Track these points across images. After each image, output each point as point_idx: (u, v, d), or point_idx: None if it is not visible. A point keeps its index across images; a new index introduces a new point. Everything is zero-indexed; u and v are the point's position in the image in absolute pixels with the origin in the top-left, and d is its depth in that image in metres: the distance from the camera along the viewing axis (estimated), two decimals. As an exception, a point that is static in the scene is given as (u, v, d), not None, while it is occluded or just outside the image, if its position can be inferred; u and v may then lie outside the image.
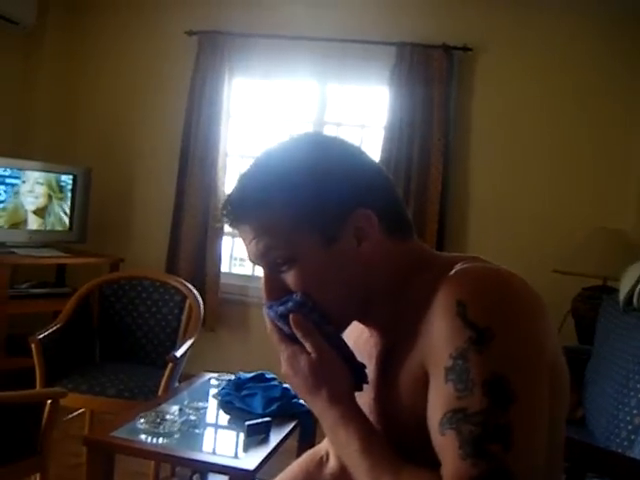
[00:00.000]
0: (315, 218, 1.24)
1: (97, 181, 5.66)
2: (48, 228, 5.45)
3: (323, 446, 1.69)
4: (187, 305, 4.39)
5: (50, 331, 3.99)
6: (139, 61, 5.96)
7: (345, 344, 1.29)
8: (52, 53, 6.07)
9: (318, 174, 1.25)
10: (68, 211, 5.53)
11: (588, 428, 3.69)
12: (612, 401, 3.44)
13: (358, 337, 1.37)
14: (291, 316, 1.25)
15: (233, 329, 5.77)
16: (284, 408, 3.34)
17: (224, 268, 5.79)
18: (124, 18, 6.00)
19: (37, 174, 5.31)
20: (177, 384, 3.97)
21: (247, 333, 5.73)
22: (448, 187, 5.31)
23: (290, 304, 1.25)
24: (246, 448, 2.96)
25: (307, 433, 3.53)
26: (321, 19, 5.52)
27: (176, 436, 2.95)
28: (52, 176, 5.41)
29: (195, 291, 4.44)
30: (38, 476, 3.03)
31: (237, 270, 6.08)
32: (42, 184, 5.34)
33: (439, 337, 1.13)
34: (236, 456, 2.91)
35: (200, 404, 3.32)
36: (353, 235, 1.25)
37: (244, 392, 3.42)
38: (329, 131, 5.74)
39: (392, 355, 1.28)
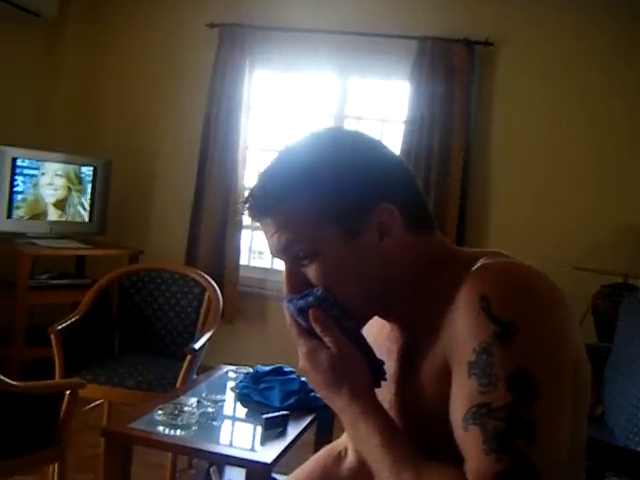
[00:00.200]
0: (337, 213, 1.23)
1: (117, 173, 5.68)
2: (68, 219, 5.48)
3: (341, 441, 1.69)
4: (206, 297, 4.40)
5: (69, 322, 4.00)
6: (160, 53, 5.97)
7: (364, 340, 1.28)
8: (74, 45, 6.09)
9: (340, 169, 1.25)
10: (88, 203, 5.55)
11: (607, 426, 3.67)
12: (632, 399, 3.42)
13: (378, 333, 1.37)
14: (310, 311, 1.24)
15: (251, 322, 5.77)
16: (302, 402, 3.34)
17: (243, 261, 5.80)
18: (145, 11, 6.01)
19: (57, 166, 5.34)
20: (195, 376, 3.97)
21: (265, 326, 5.74)
22: (468, 181, 5.29)
23: (310, 298, 1.24)
24: (263, 441, 2.96)
25: (324, 427, 3.52)
26: (342, 12, 5.51)
27: (194, 428, 2.95)
28: (72, 168, 5.44)
29: (214, 283, 4.44)
30: (56, 466, 3.04)
31: (256, 263, 6.08)
32: (62, 176, 5.37)
33: (463, 332, 1.12)
34: (253, 449, 2.91)
35: (218, 396, 3.32)
36: (376, 230, 1.25)
37: (262, 385, 3.42)
38: (349, 125, 5.74)
39: (413, 350, 1.27)
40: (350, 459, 1.63)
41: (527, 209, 5.31)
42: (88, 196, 5.54)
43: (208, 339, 4.07)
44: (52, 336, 3.84)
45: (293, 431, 3.08)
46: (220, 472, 3.82)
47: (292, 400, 3.31)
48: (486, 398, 1.06)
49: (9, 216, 5.07)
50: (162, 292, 4.50)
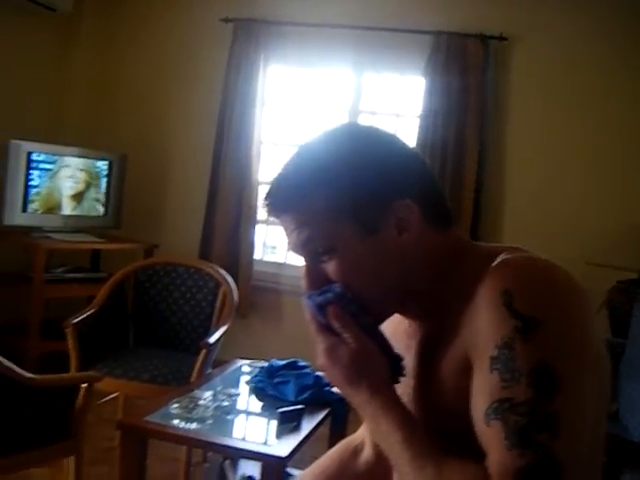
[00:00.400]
0: (354, 209, 1.24)
1: (132, 167, 5.70)
2: (83, 213, 5.50)
3: (358, 435, 1.70)
4: (221, 292, 4.41)
5: (85, 316, 4.02)
6: (174, 48, 5.98)
7: (383, 336, 1.29)
8: (89, 40, 6.11)
9: (355, 165, 1.25)
10: (103, 197, 5.57)
11: (622, 423, 3.66)
12: (646, 395, 3.41)
13: (396, 328, 1.37)
14: (330, 307, 1.24)
15: (266, 316, 5.78)
16: (316, 396, 3.35)
17: (257, 255, 5.81)
18: (160, 5, 6.02)
19: (74, 160, 5.36)
20: (210, 370, 3.98)
21: (279, 320, 5.75)
22: (483, 176, 5.29)
23: (329, 295, 1.24)
24: (278, 435, 2.97)
25: (339, 421, 3.53)
26: (357, 7, 5.51)
27: (209, 422, 2.96)
28: (88, 162, 5.46)
29: (229, 278, 4.45)
30: (72, 459, 3.06)
31: (270, 257, 6.09)
32: (81, 170, 5.40)
33: (484, 327, 1.12)
34: (268, 443, 2.92)
35: (233, 390, 3.34)
36: (394, 225, 1.25)
37: (277, 379, 3.43)
38: (364, 120, 5.73)
39: (432, 345, 1.27)
40: (366, 453, 1.63)
41: (542, 204, 5.30)
42: (103, 190, 5.57)
43: (223, 333, 4.09)
44: (68, 330, 3.86)
45: (308, 425, 3.09)
46: (234, 466, 3.83)
47: (307, 394, 3.32)
48: (508, 393, 1.06)
49: (24, 210, 5.09)
50: (177, 286, 4.52)
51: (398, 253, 1.26)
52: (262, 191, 5.69)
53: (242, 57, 5.63)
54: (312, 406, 3.27)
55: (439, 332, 1.26)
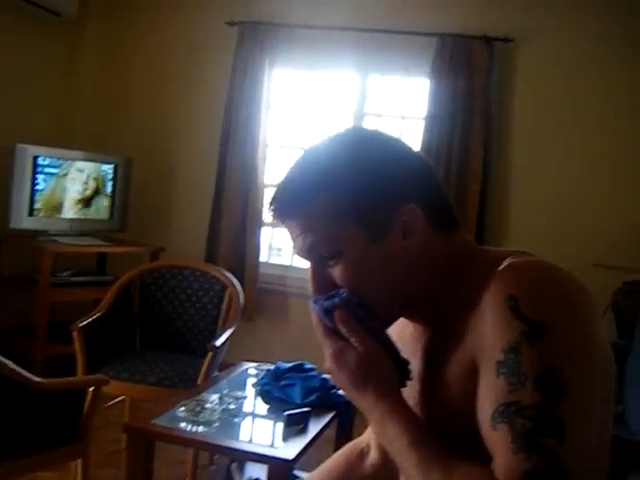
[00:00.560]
0: (359, 214, 1.24)
1: (138, 171, 5.71)
2: (89, 217, 5.52)
3: (364, 438, 1.70)
4: (227, 294, 4.42)
5: (91, 319, 4.02)
6: (180, 51, 5.99)
7: (390, 340, 1.29)
8: (94, 44, 6.13)
9: (360, 170, 1.26)
10: (109, 200, 5.58)
11: (628, 425, 3.66)
12: (653, 396, 3.41)
13: (402, 332, 1.37)
14: (336, 312, 1.24)
15: (272, 319, 5.79)
16: (323, 398, 3.35)
17: (263, 258, 5.82)
18: (165, 9, 6.03)
19: (80, 163, 5.37)
20: (216, 373, 3.98)
21: (286, 323, 5.75)
22: (489, 179, 5.28)
23: (336, 299, 1.25)
24: (285, 438, 2.98)
25: (345, 424, 3.54)
26: (362, 10, 5.52)
27: (215, 425, 2.97)
28: (93, 165, 5.47)
29: (235, 281, 4.46)
30: (79, 462, 3.07)
31: (276, 260, 6.10)
32: (88, 174, 5.41)
33: (491, 331, 1.13)
34: (275, 445, 2.93)
35: (239, 393, 3.34)
36: (400, 230, 1.25)
37: (283, 382, 3.43)
38: (369, 122, 5.74)
39: (438, 349, 1.27)
40: (373, 456, 1.64)
41: (547, 206, 5.29)
42: (109, 194, 5.58)
43: (229, 336, 4.09)
44: (74, 333, 3.86)
45: (314, 428, 3.09)
46: (241, 469, 3.84)
47: (313, 397, 3.32)
48: (514, 397, 1.06)
49: (31, 214, 5.10)
50: (183, 289, 4.52)
51: (404, 257, 1.26)
52: (268, 194, 5.70)
53: (247, 60, 5.64)
54: (318, 409, 3.27)
55: (445, 336, 1.26)
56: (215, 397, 3.20)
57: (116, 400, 4.51)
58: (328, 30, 5.54)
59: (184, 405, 3.03)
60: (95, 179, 5.48)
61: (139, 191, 5.80)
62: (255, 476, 3.64)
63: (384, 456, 1.54)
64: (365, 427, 1.65)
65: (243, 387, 3.54)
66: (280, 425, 3.08)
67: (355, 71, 5.75)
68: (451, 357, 1.22)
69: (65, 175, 5.29)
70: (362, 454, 1.67)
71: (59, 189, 5.28)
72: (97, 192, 5.50)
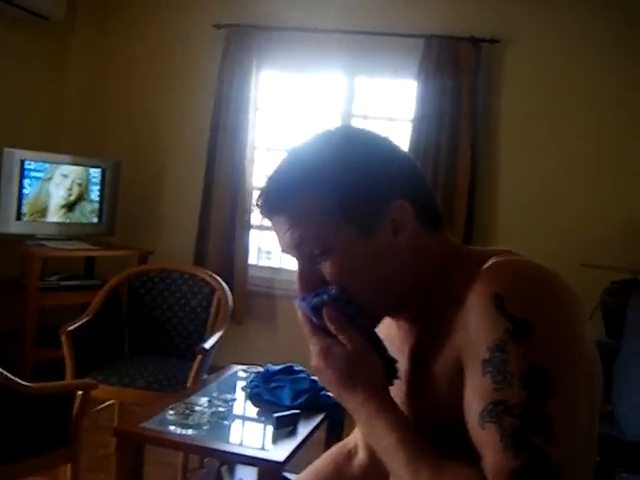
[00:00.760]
0: (351, 210, 1.24)
1: (126, 174, 5.70)
2: (77, 221, 5.50)
3: (351, 439, 1.70)
4: (216, 297, 4.41)
5: (80, 323, 4.01)
6: (167, 54, 5.98)
7: (378, 338, 1.28)
8: (81, 48, 6.13)
9: (346, 165, 1.26)
10: (97, 204, 5.57)
11: (617, 423, 3.67)
12: (641, 395, 3.42)
13: (388, 333, 1.36)
14: (325, 309, 1.24)
15: (261, 321, 5.79)
16: (312, 400, 3.35)
17: (252, 260, 5.82)
18: (152, 12, 6.03)
19: (67, 167, 5.36)
20: (206, 376, 3.98)
21: (275, 325, 5.75)
22: (476, 179, 5.29)
23: (325, 297, 1.24)
24: (274, 440, 2.98)
25: (335, 425, 3.54)
26: (349, 12, 5.52)
27: (205, 427, 2.96)
28: (81, 169, 5.46)
29: (224, 283, 4.46)
30: (69, 466, 3.06)
31: (264, 262, 6.10)
32: (73, 177, 5.39)
33: (476, 330, 1.13)
34: (264, 448, 2.92)
35: (229, 396, 3.33)
36: (389, 226, 1.25)
37: (272, 384, 3.43)
38: (357, 124, 5.74)
39: (426, 349, 1.27)
40: (360, 456, 1.64)
41: (535, 206, 5.31)
42: (97, 197, 5.56)
43: (218, 339, 4.09)
44: (63, 337, 3.86)
45: (304, 430, 3.09)
46: (231, 471, 3.83)
47: (302, 399, 3.32)
48: (501, 395, 1.06)
49: (18, 218, 5.09)
50: (172, 292, 4.52)
51: (393, 253, 1.26)
52: (256, 196, 5.68)
53: (235, 63, 5.64)
54: (308, 411, 3.26)
55: (431, 336, 1.26)
56: (204, 400, 3.20)
57: (105, 404, 4.50)
58: (315, 32, 5.55)
59: (173, 408, 3.02)
60: (79, 184, 5.46)
61: (127, 194, 5.79)
62: (245, 478, 3.63)
63: (372, 457, 1.54)
64: (354, 428, 1.65)
65: (232, 390, 3.54)
66: (270, 427, 3.08)
67: (342, 73, 5.75)
68: (438, 356, 1.22)
69: (50, 179, 5.28)
70: (350, 455, 1.67)
71: (44, 193, 5.26)
72: (81, 197, 5.48)
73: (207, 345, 3.93)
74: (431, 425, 1.22)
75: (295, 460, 2.86)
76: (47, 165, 5.25)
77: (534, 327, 1.08)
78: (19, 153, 5.05)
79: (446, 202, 5.16)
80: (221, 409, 3.17)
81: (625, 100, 5.17)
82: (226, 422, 3.11)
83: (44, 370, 4.36)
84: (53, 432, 3.00)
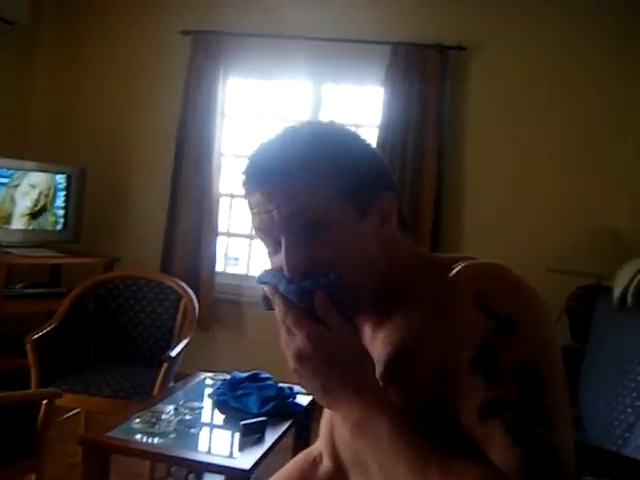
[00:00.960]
0: (353, 190, 1.23)
1: (92, 181, 5.65)
2: (42, 228, 5.45)
3: (316, 447, 1.70)
4: (182, 305, 4.40)
5: (45, 331, 3.98)
6: (133, 60, 5.96)
7: (360, 333, 1.28)
8: (47, 53, 6.08)
9: (354, 151, 1.28)
10: (62, 211, 5.52)
11: (582, 427, 3.69)
12: (606, 400, 3.44)
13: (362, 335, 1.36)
14: (318, 293, 1.16)
15: (228, 328, 5.77)
16: (279, 407, 3.34)
17: (219, 267, 5.79)
18: (118, 18, 5.99)
19: (32, 174, 5.31)
20: (172, 384, 3.96)
21: (242, 332, 5.73)
22: (442, 186, 5.31)
23: (321, 280, 1.17)
24: (241, 448, 2.96)
25: (302, 432, 3.54)
26: (316, 19, 5.53)
27: (171, 436, 2.95)
28: (47, 176, 5.41)
29: (190, 291, 4.44)
30: (34, 476, 3.03)
31: (232, 270, 6.08)
32: (37, 184, 5.34)
33: (460, 330, 1.13)
34: (232, 456, 2.91)
35: (195, 404, 3.32)
36: (378, 217, 1.26)
37: (239, 392, 3.42)
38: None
39: (399, 353, 1.25)
40: (325, 464, 1.63)
41: (501, 212, 5.35)
42: (62, 204, 5.51)
43: (185, 346, 4.07)
44: (28, 345, 3.83)
45: (271, 437, 3.08)
46: (199, 479, 3.82)
47: (269, 406, 3.31)
48: (496, 392, 1.07)
49: (-18, 225, 5.04)
50: (138, 300, 4.50)
51: (379, 243, 1.26)
52: (223, 203, 5.69)
53: (201, 69, 5.63)
54: (275, 418, 3.26)
55: (405, 339, 1.25)
56: (171, 408, 3.18)
57: (71, 413, 4.46)
58: (282, 39, 5.55)
59: (140, 417, 3.00)
60: (46, 195, 5.41)
61: (93, 202, 5.74)
62: (213, 487, 3.62)
63: (337, 464, 1.54)
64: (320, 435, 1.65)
65: (199, 397, 3.52)
66: (237, 435, 3.07)
67: (309, 80, 5.76)
68: (413, 360, 1.22)
69: (16, 186, 5.22)
70: (315, 463, 1.67)
71: (8, 200, 5.21)
72: (50, 203, 5.43)
73: (173, 353, 3.91)
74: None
75: (262, 467, 2.85)
76: (12, 171, 5.19)
77: (519, 324, 1.10)
78: (-18, 159, 5.00)
79: (412, 208, 5.18)
80: (188, 417, 3.15)
81: (590, 106, 5.22)
82: (193, 430, 3.09)
83: (8, 379, 4.32)
84: (17, 442, 2.97)
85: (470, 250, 4.97)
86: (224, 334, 5.76)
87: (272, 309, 1.21)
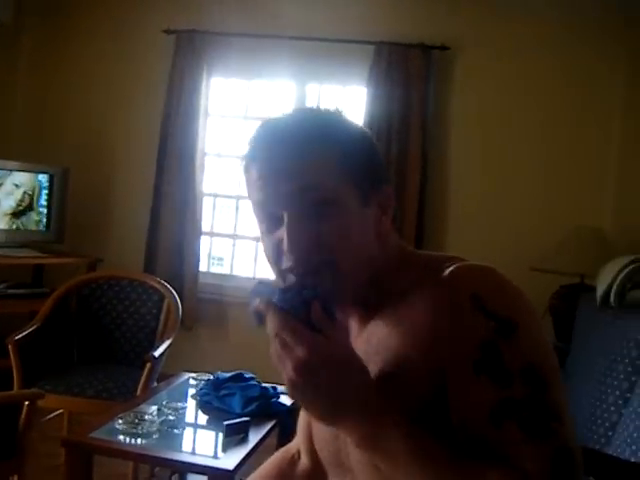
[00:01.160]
0: (360, 178, 1.24)
1: (74, 181, 5.63)
2: (25, 228, 5.42)
3: (294, 445, 1.70)
4: (165, 305, 4.39)
5: (27, 332, 3.96)
6: (116, 60, 5.93)
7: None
8: (29, 52, 6.05)
9: (365, 141, 1.30)
10: (45, 211, 5.49)
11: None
12: (589, 398, 3.45)
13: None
14: (315, 303, 1.10)
15: (211, 328, 5.75)
16: (263, 408, 3.34)
17: (202, 267, 5.78)
18: (101, 17, 5.97)
19: (14, 174, 5.28)
20: (155, 384, 3.95)
21: (225, 332, 5.72)
22: (426, 186, 5.32)
23: (319, 289, 1.12)
24: (225, 448, 2.96)
25: (286, 432, 3.51)
26: (299, 19, 5.52)
27: (155, 436, 2.94)
28: (29, 176, 5.38)
29: (173, 291, 4.43)
30: (15, 478, 3.02)
31: (215, 269, 6.07)
32: (22, 184, 5.32)
33: (459, 333, 1.13)
34: (215, 456, 2.91)
35: (179, 404, 3.30)
36: (378, 207, 1.27)
37: (223, 392, 3.41)
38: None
39: (383, 354, 1.24)
40: (304, 461, 1.64)
41: (485, 212, 5.36)
42: (45, 204, 5.49)
43: (168, 346, 4.06)
44: (10, 346, 3.81)
45: (255, 437, 3.08)
46: (182, 480, 3.81)
47: (253, 406, 3.31)
48: (506, 393, 1.08)
49: (-36, 225, 5.01)
50: (121, 300, 4.48)
51: (376, 234, 1.27)
52: (207, 203, 5.69)
53: (185, 68, 5.61)
54: (259, 418, 3.25)
55: (389, 340, 1.24)
56: (154, 408, 3.17)
57: (54, 414, 4.44)
58: (265, 38, 5.54)
59: (122, 417, 2.99)
60: (30, 195, 5.38)
61: (76, 201, 5.71)
62: (196, 487, 3.61)
63: (315, 462, 1.54)
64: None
65: (183, 398, 3.51)
66: (220, 435, 3.06)
67: (293, 79, 5.75)
68: (399, 362, 1.20)
69: (3, 186, 5.19)
70: (293, 460, 1.68)
71: (-6, 199, 5.19)
72: (32, 203, 5.41)
73: (156, 353, 3.90)
74: None
75: (246, 468, 2.84)
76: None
77: (518, 324, 1.11)
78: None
79: (397, 207, 5.16)
80: (171, 417, 3.14)
81: (575, 108, 5.24)
82: (176, 431, 3.08)
83: (-10, 380, 4.29)
84: (-1, 443, 2.96)
85: (454, 249, 4.97)
86: (207, 334, 5.75)
87: (264, 323, 1.14)
